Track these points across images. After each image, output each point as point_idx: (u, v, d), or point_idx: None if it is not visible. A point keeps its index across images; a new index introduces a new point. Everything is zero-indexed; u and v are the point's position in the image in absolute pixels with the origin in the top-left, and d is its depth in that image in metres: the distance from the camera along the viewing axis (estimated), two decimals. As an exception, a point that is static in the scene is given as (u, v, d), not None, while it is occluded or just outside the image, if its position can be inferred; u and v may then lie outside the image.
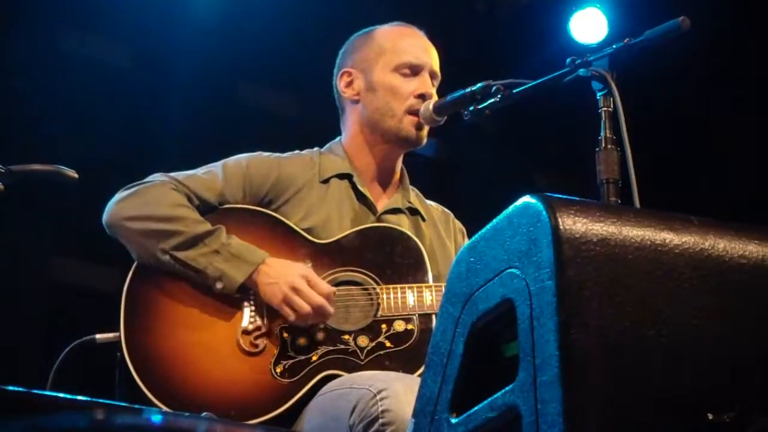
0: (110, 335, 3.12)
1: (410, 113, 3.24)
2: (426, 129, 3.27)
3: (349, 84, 3.34)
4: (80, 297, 5.41)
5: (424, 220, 3.34)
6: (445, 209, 3.49)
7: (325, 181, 3.25)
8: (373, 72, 3.30)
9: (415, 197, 3.38)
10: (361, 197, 3.26)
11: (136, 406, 2.70)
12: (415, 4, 5.45)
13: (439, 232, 3.35)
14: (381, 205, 3.28)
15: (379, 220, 3.24)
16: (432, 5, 5.70)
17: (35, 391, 2.02)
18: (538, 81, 2.78)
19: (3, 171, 2.84)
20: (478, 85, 2.98)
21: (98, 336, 3.16)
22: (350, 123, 3.35)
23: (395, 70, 3.27)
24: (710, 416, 1.82)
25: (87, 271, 5.60)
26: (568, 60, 2.65)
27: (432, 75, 3.30)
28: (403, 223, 3.25)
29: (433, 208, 3.44)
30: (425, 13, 5.34)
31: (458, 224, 3.47)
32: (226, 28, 5.56)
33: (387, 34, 3.36)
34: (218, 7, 5.59)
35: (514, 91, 2.85)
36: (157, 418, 1.84)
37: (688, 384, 1.84)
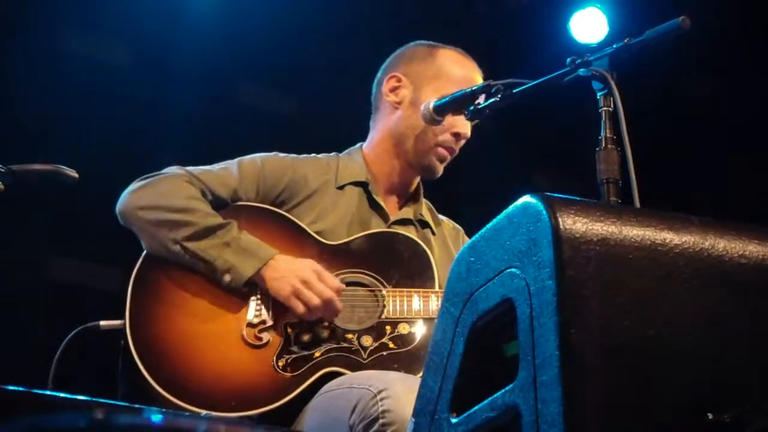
0: (115, 322, 3.11)
1: (439, 146, 3.26)
2: (445, 164, 3.29)
3: (395, 89, 3.33)
4: (80, 297, 5.40)
5: (434, 234, 3.35)
6: (456, 225, 3.50)
7: (341, 188, 3.26)
8: (422, 90, 3.29)
9: (427, 211, 3.40)
10: (374, 205, 3.27)
11: (136, 406, 2.70)
12: (415, 5, 5.45)
13: (448, 247, 3.37)
14: (393, 215, 3.30)
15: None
16: (432, 5, 5.69)
17: (35, 391, 2.02)
18: (538, 81, 2.78)
19: (3, 171, 2.84)
20: (479, 84, 2.98)
21: (102, 323, 3.14)
22: (380, 126, 3.36)
23: None
24: (710, 416, 1.82)
25: (87, 271, 5.60)
26: (568, 60, 2.64)
27: None
28: (411, 234, 3.25)
29: (444, 223, 3.46)
30: (426, 14, 5.34)
31: (468, 240, 3.46)
32: (226, 28, 5.56)
33: (448, 59, 3.35)
34: (218, 6, 5.59)
35: (514, 90, 2.84)
36: (157, 418, 1.83)
37: (688, 384, 1.84)
